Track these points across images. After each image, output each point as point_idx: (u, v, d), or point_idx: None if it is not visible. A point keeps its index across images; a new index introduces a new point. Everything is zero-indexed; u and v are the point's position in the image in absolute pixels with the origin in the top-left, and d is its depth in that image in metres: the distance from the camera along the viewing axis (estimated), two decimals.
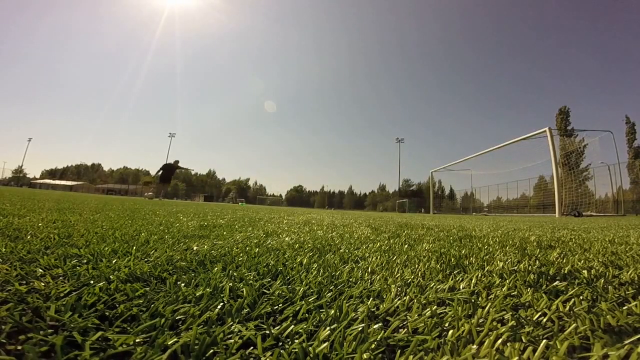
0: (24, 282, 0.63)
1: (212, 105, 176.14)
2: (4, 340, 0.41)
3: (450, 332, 0.49)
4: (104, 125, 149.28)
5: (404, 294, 0.67)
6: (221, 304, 0.57)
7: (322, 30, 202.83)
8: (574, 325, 0.51)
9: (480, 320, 0.53)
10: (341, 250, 1.22)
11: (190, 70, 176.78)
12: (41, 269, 0.72)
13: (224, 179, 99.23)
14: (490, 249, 1.37)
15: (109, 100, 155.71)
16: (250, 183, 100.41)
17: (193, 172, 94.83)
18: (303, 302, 0.59)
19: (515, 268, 0.96)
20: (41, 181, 67.17)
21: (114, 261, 0.82)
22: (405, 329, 0.51)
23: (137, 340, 0.42)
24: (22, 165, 70.68)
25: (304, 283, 0.72)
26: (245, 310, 0.55)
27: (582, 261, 1.10)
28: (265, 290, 0.67)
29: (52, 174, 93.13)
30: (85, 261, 0.81)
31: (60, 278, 0.67)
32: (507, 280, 0.79)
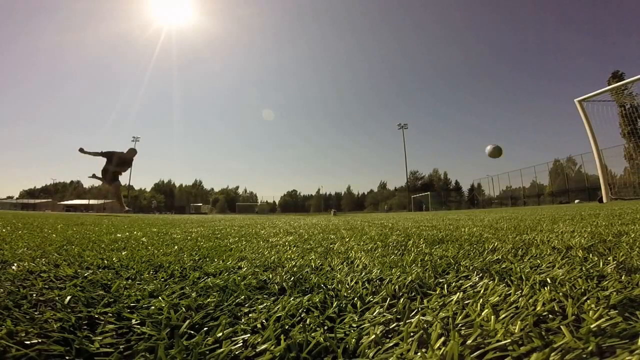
0: None
1: (204, 115, 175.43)
2: None
3: None
4: (101, 146, 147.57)
5: None
6: None
7: (311, 30, 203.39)
8: None
9: None
10: None
11: (184, 85, 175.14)
12: None
13: (212, 189, 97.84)
14: None
15: (103, 123, 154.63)
16: (240, 191, 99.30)
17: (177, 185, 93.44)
18: None
19: None
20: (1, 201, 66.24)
21: None
22: None
23: None
24: None
25: None
26: None
27: None
28: None
29: (30, 193, 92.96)
30: None
31: None
32: None
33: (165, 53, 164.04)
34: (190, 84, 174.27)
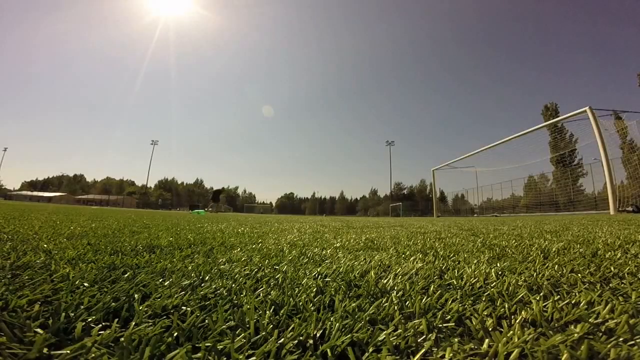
0: None
1: (204, 113, 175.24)
2: None
3: None
4: (94, 139, 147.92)
5: None
6: None
7: (312, 35, 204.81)
8: None
9: None
10: None
11: (183, 80, 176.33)
12: None
13: (211, 188, 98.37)
14: None
15: (101, 114, 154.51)
16: (239, 191, 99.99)
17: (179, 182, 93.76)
18: None
19: None
20: (18, 192, 65.32)
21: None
22: None
23: None
24: None
25: None
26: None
27: None
28: None
29: (32, 185, 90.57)
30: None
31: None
32: None
33: (163, 54, 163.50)
34: (190, 84, 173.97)
